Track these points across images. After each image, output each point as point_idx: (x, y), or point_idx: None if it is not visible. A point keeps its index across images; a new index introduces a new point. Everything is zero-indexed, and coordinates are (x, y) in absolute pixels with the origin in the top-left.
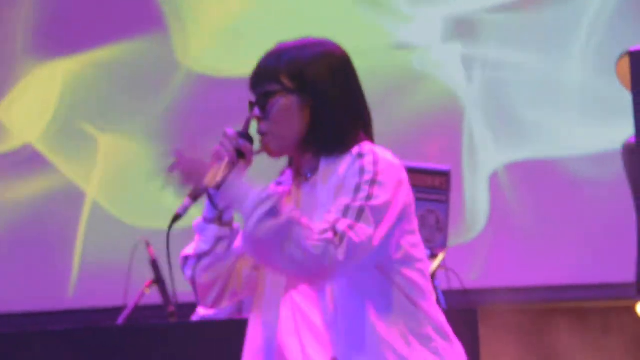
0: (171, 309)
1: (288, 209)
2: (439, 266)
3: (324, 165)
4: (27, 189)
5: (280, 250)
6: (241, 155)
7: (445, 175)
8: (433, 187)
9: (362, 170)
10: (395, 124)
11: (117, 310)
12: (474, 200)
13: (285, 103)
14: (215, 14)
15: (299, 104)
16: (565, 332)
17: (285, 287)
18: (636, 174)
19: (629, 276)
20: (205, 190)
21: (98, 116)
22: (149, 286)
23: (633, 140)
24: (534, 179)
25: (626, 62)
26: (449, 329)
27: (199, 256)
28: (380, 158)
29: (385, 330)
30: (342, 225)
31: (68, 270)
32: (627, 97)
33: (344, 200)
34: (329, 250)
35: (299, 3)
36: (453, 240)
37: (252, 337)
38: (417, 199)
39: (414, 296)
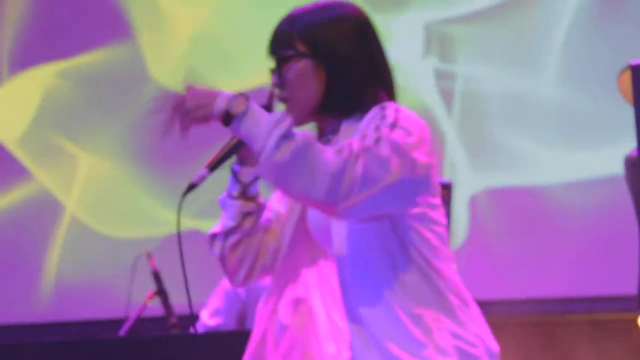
0: (173, 320)
1: (303, 130)
2: None
3: (344, 126)
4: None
5: (298, 172)
6: None
7: (446, 188)
8: None
9: (383, 116)
10: None
11: (101, 322)
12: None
13: (299, 67)
14: (185, 28)
15: (313, 68)
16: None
17: (302, 260)
18: (638, 187)
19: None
20: (223, 160)
21: (70, 126)
22: (151, 298)
23: (635, 153)
24: (506, 205)
25: (628, 76)
26: (466, 293)
27: (226, 233)
28: (404, 109)
29: (400, 295)
30: (357, 146)
31: (41, 282)
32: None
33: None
34: (347, 165)
35: (272, 14)
36: None
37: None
38: None
39: (429, 256)
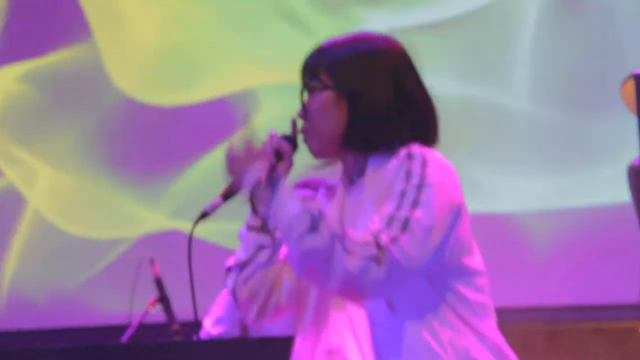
0: (175, 327)
1: (329, 219)
2: None
3: (370, 168)
4: None
5: (323, 268)
6: (280, 158)
7: None
8: None
9: (408, 174)
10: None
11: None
12: None
13: (321, 98)
14: (145, 31)
15: (335, 99)
16: None
17: (331, 304)
18: None
19: None
20: (238, 190)
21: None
22: (153, 304)
23: (638, 162)
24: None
25: (631, 85)
26: (508, 350)
27: (240, 266)
28: (429, 159)
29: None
30: (385, 238)
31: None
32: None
33: (389, 208)
34: (371, 269)
35: (236, 20)
36: None
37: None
38: None
39: (466, 315)
